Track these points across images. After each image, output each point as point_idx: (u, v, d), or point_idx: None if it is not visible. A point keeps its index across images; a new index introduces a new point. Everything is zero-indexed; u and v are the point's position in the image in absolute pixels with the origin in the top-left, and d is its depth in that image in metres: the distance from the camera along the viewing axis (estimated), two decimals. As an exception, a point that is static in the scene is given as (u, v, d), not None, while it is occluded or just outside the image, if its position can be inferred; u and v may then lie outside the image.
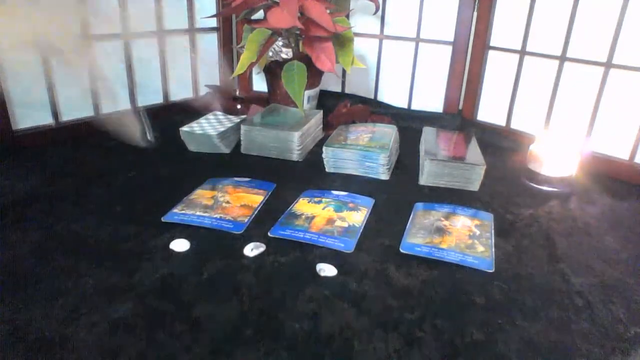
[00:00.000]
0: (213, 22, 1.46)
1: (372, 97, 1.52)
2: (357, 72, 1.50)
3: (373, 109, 1.42)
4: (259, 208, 0.89)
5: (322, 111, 1.27)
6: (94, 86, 1.08)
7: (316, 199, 0.93)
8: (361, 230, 0.83)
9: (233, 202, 0.90)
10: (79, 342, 0.57)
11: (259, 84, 1.58)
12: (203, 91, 1.49)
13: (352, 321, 0.62)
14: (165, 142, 1.18)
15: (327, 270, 0.72)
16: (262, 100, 1.43)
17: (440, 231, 0.83)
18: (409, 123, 1.39)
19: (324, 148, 1.06)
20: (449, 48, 1.36)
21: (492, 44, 1.30)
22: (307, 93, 1.26)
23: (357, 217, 0.87)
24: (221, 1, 1.40)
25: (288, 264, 0.73)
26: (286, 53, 1.26)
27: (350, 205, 0.91)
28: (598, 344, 0.60)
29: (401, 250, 0.77)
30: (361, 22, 1.45)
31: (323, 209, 0.89)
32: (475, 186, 1.01)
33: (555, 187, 1.03)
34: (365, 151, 1.04)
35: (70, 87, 1.14)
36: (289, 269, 0.72)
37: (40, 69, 1.12)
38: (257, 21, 1.19)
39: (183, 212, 0.85)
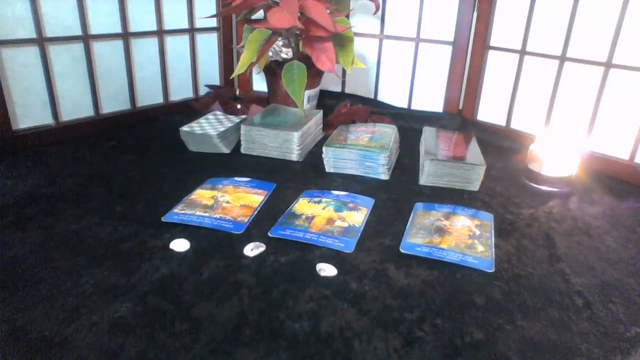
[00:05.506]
0: (213, 22, 1.46)
1: (372, 97, 1.52)
2: (357, 72, 1.50)
3: (373, 109, 1.42)
4: (259, 208, 0.89)
5: (322, 111, 1.27)
6: None
7: (316, 199, 0.92)
8: (361, 230, 0.83)
9: (233, 202, 0.90)
10: (79, 342, 0.57)
11: (259, 84, 1.58)
12: (203, 91, 1.50)
13: (352, 321, 0.62)
14: (165, 142, 1.19)
15: (327, 270, 0.72)
16: (262, 100, 1.43)
17: (440, 231, 0.83)
18: (409, 123, 1.39)
19: (324, 148, 1.06)
20: (449, 48, 1.36)
21: (492, 44, 1.30)
22: (307, 93, 1.26)
23: (357, 217, 0.87)
24: (221, 1, 1.40)
25: (288, 264, 0.73)
26: (286, 53, 1.26)
27: (350, 205, 0.91)
28: (598, 344, 0.60)
29: (401, 250, 0.77)
30: (361, 22, 1.45)
31: (323, 209, 0.89)
32: (475, 186, 1.01)
33: (555, 187, 1.03)
34: (365, 151, 1.04)
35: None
36: (289, 269, 0.72)
37: (41, 68, 1.12)
38: (257, 21, 1.19)
39: (183, 212, 0.85)
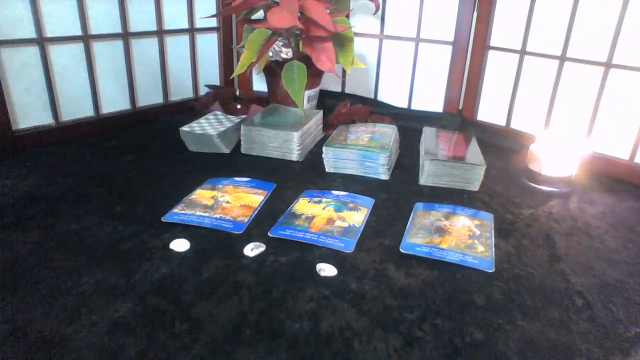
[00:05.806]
0: (213, 22, 1.46)
1: (372, 97, 1.52)
2: (357, 72, 1.50)
3: (373, 109, 1.42)
4: (259, 208, 0.89)
5: (322, 111, 1.27)
6: None
7: (316, 199, 0.92)
8: (361, 230, 0.83)
9: (233, 202, 0.90)
10: (79, 342, 0.57)
11: (259, 84, 1.58)
12: (203, 91, 1.50)
13: (352, 321, 0.62)
14: (165, 142, 1.19)
15: (327, 270, 0.72)
16: (262, 100, 1.43)
17: (440, 231, 0.83)
18: (409, 123, 1.39)
19: (324, 148, 1.06)
20: (449, 48, 1.36)
21: (492, 44, 1.30)
22: (307, 93, 1.26)
23: (357, 217, 0.87)
24: (221, 1, 1.40)
25: (288, 264, 0.73)
26: (286, 53, 1.26)
27: (350, 205, 0.91)
28: (598, 344, 0.60)
29: (401, 250, 0.77)
30: (361, 22, 1.45)
31: (323, 209, 0.89)
32: (475, 186, 1.01)
33: (555, 187, 1.03)
34: (365, 151, 1.04)
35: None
36: (289, 269, 0.72)
37: (41, 68, 1.12)
38: (257, 21, 1.19)
39: (183, 212, 0.85)
